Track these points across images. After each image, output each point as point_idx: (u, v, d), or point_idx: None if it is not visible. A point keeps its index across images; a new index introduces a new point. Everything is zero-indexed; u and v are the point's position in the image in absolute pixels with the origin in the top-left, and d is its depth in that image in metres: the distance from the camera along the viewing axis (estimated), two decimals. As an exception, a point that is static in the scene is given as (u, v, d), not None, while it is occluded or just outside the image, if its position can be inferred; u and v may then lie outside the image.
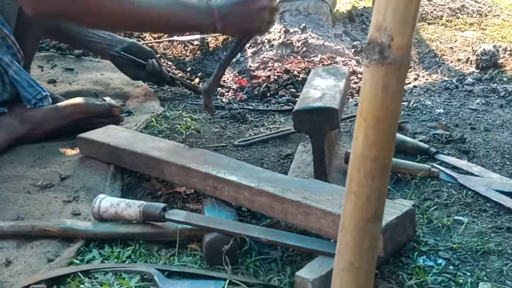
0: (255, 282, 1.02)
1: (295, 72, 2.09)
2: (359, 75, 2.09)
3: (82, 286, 0.98)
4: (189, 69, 2.31)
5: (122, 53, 1.85)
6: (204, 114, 1.82)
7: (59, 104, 1.61)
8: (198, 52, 2.47)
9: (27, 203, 1.26)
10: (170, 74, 2.01)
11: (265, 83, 2.06)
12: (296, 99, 1.60)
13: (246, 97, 2.05)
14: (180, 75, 2.20)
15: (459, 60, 2.26)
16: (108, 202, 1.16)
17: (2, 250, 1.11)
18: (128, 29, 1.49)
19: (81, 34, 1.88)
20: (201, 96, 1.95)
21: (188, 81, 2.10)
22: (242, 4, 1.38)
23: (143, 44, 2.36)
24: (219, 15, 1.35)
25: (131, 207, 1.14)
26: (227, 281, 1.00)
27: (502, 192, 1.31)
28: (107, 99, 1.77)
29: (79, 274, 1.02)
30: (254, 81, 2.10)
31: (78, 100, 1.62)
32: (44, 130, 1.55)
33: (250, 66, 2.26)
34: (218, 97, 2.05)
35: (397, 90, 0.72)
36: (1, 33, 1.56)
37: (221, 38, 2.60)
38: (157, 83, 1.97)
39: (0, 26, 1.56)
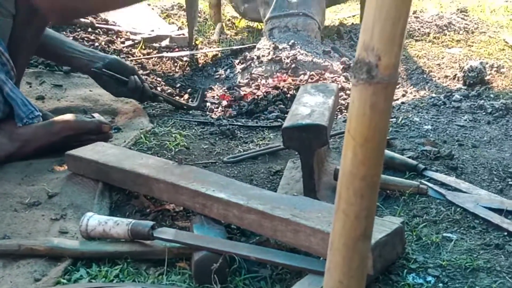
0: (244, 301, 1.01)
1: (284, 89, 2.10)
2: (348, 92, 2.10)
3: (69, 306, 0.97)
4: (178, 85, 2.31)
5: (104, 70, 1.85)
6: (194, 130, 1.82)
7: (48, 121, 1.61)
8: (188, 68, 2.47)
9: (14, 221, 1.25)
10: (153, 90, 2.01)
11: (254, 100, 2.07)
12: (285, 115, 1.60)
13: (235, 113, 2.05)
14: (169, 91, 2.20)
15: (446, 76, 2.28)
16: (96, 220, 1.15)
17: (-13, 269, 1.10)
18: None
19: (63, 50, 1.88)
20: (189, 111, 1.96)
21: (172, 97, 2.10)
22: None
23: (131, 60, 2.38)
24: None
25: (119, 225, 1.13)
26: (216, 300, 1.00)
27: (490, 208, 1.32)
28: (96, 115, 1.77)
29: (66, 294, 1.01)
30: (242, 98, 2.11)
31: (67, 117, 1.62)
32: (33, 147, 1.54)
33: (239, 82, 2.27)
34: (208, 113, 2.05)
35: (385, 109, 0.72)
36: None
37: (210, 54, 2.61)
38: (139, 99, 1.97)
39: None
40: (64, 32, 2.44)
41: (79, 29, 2.56)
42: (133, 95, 1.93)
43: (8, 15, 1.59)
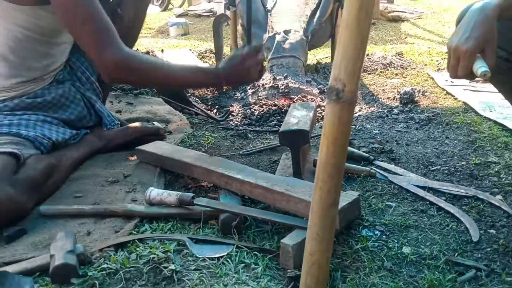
0: (253, 246, 1.01)
1: (280, 106, 2.10)
2: (323, 108, 2.10)
3: (138, 249, 0.98)
4: (210, 103, 2.30)
5: None
6: (220, 133, 1.82)
7: (124, 127, 1.61)
8: (216, 92, 2.47)
9: (101, 193, 1.26)
10: (190, 99, 2.04)
11: (260, 113, 2.06)
12: (281, 123, 1.60)
13: (248, 122, 2.04)
14: (204, 107, 2.20)
15: (388, 98, 2.27)
16: (155, 192, 1.16)
17: (84, 224, 1.11)
18: (165, 87, 1.54)
19: None
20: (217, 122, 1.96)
21: (204, 109, 2.11)
22: (237, 66, 1.38)
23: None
24: (223, 76, 1.36)
25: (171, 196, 1.14)
26: (235, 245, 1.00)
27: (417, 186, 1.32)
28: (155, 123, 1.77)
29: (136, 241, 1.01)
30: (252, 112, 2.10)
31: (137, 124, 1.62)
32: (114, 144, 1.54)
33: (250, 102, 2.26)
34: (229, 122, 2.05)
35: (348, 120, 0.73)
36: (88, 77, 1.56)
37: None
38: (179, 101, 2.01)
39: (86, 71, 1.56)
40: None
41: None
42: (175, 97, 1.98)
43: None
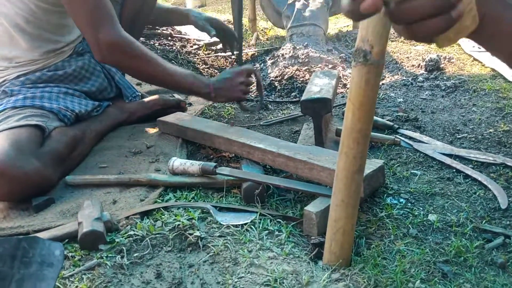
0: (276, 214, 1.02)
1: (302, 75, 2.06)
2: (344, 77, 2.05)
3: (163, 216, 0.99)
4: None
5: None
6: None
7: (144, 99, 1.61)
8: (235, 63, 2.44)
9: (125, 163, 1.27)
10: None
11: (281, 84, 2.03)
12: (301, 94, 1.58)
13: (267, 93, 2.02)
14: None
15: (413, 65, 2.20)
16: (178, 162, 1.17)
17: (110, 193, 1.13)
18: (152, 83, 1.55)
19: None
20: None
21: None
22: (228, 80, 1.42)
23: (197, 58, 2.36)
24: (213, 88, 1.39)
25: (194, 165, 1.14)
26: (258, 213, 1.00)
27: (443, 154, 1.29)
28: (176, 95, 1.77)
29: (161, 209, 1.03)
30: (272, 82, 2.08)
31: (157, 96, 1.62)
32: (136, 116, 1.55)
33: (269, 73, 2.23)
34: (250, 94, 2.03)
35: (375, 83, 0.70)
36: None
37: (250, 53, 2.57)
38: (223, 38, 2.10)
39: None
40: (149, 41, 2.43)
41: (162, 38, 2.54)
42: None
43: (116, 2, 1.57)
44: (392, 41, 2.65)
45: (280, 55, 2.29)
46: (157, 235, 0.93)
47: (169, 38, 2.58)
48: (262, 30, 3.07)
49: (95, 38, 1.23)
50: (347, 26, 3.05)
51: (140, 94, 1.61)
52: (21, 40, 1.33)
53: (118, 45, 1.25)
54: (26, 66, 1.35)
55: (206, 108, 1.71)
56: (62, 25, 1.40)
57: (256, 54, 2.58)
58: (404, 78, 2.02)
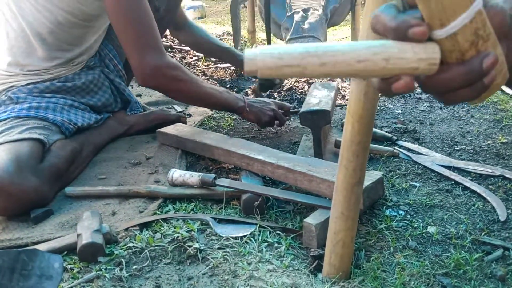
0: (276, 226, 1.02)
1: (301, 86, 2.07)
2: (343, 89, 2.06)
3: (162, 228, 0.99)
4: (228, 86, 2.30)
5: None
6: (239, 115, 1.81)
7: (146, 112, 1.61)
8: (234, 74, 2.46)
9: (125, 174, 1.27)
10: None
11: (279, 94, 2.05)
12: (301, 105, 1.59)
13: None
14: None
15: (411, 77, 2.21)
16: (177, 173, 1.17)
17: (109, 205, 1.13)
18: (192, 103, 1.60)
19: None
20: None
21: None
22: (261, 102, 1.51)
23: (196, 70, 2.37)
24: (247, 105, 1.47)
25: (193, 177, 1.14)
26: (257, 225, 1.00)
27: (442, 165, 1.30)
28: (176, 106, 1.77)
29: (160, 220, 1.03)
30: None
31: (158, 111, 1.63)
32: (135, 129, 1.56)
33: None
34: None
35: (374, 96, 0.71)
36: (116, 65, 1.57)
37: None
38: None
39: (114, 59, 1.57)
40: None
41: (162, 49, 2.56)
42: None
43: None
44: (390, 53, 2.67)
45: (279, 66, 2.30)
46: (156, 247, 0.92)
47: (169, 49, 2.60)
48: (261, 41, 3.09)
49: (139, 63, 1.25)
50: (346, 38, 3.08)
51: (142, 111, 1.62)
52: (39, 49, 1.33)
53: (161, 71, 1.27)
54: (37, 75, 1.35)
55: (206, 119, 1.72)
56: (83, 39, 1.41)
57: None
58: (403, 89, 2.03)
